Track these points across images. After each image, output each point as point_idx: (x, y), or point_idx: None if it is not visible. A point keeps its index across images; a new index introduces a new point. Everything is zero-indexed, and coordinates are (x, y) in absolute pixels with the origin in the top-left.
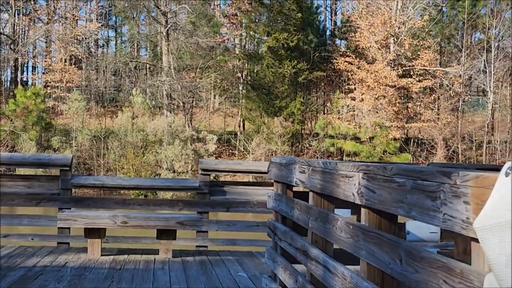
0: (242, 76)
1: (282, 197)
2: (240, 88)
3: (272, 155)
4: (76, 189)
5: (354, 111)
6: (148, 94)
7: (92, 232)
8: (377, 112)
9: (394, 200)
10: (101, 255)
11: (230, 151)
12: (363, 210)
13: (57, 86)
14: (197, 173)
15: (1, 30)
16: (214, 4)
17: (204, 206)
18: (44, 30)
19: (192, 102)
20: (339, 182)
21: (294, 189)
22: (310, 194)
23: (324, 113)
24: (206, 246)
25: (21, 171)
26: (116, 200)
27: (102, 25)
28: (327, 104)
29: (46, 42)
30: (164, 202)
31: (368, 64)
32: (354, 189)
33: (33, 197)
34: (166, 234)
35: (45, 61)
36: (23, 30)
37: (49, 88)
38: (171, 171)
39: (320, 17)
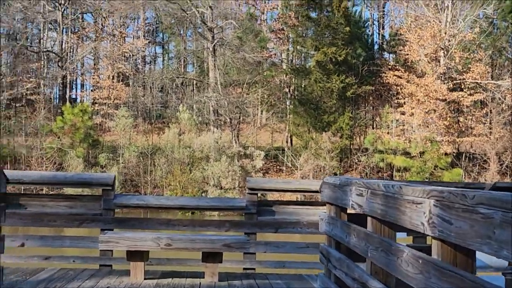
0: (289, 91)
1: (336, 221)
2: (288, 103)
3: (320, 171)
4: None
5: (403, 125)
6: (195, 110)
7: (135, 255)
8: (427, 127)
9: (478, 234)
10: (144, 278)
11: (278, 167)
12: (435, 242)
13: (105, 103)
14: (244, 189)
15: (50, 48)
16: (260, 19)
17: (251, 226)
18: (91, 48)
19: (239, 117)
20: (405, 209)
21: (349, 210)
22: (369, 219)
23: (373, 128)
24: (254, 269)
25: (68, 190)
26: (160, 220)
27: (149, 42)
28: (376, 119)
29: (94, 59)
30: (210, 223)
31: (417, 77)
32: (423, 217)
33: (76, 218)
34: (212, 256)
35: (93, 78)
36: (71, 47)
37: (96, 105)
38: (218, 187)
39: (368, 30)
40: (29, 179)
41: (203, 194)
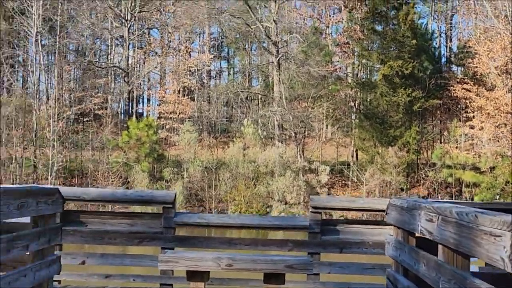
0: (354, 105)
1: (403, 246)
2: (353, 117)
3: (386, 186)
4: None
5: (473, 139)
6: (259, 125)
7: (195, 275)
8: (498, 141)
9: None
10: None
11: (343, 182)
12: None
13: (170, 117)
14: (309, 204)
15: (117, 63)
16: (325, 33)
17: (315, 246)
18: (157, 63)
19: (304, 132)
20: (481, 240)
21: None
22: (440, 247)
23: (440, 142)
24: None
25: (136, 208)
26: (221, 239)
27: (214, 57)
28: (444, 133)
29: (160, 74)
30: (272, 242)
31: (487, 91)
32: (503, 252)
33: (136, 236)
34: (274, 278)
35: (159, 92)
36: (138, 63)
37: (162, 119)
38: (282, 202)
39: (435, 43)
40: (89, 196)
41: (267, 209)
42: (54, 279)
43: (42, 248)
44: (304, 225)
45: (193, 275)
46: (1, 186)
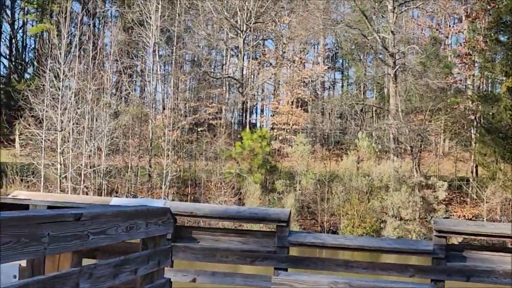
0: (475, 118)
1: None
2: (473, 131)
3: (509, 204)
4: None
5: None
6: (374, 138)
7: None
8: None
9: None
10: None
11: (461, 198)
12: None
13: (283, 129)
14: (425, 221)
15: (232, 73)
16: (444, 44)
17: (439, 273)
18: (272, 74)
19: (420, 146)
20: None
21: None
22: None
23: None
24: None
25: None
26: (337, 261)
27: (328, 68)
28: None
29: (273, 85)
30: (391, 267)
31: None
32: None
33: (248, 254)
34: None
35: (273, 103)
36: (252, 73)
37: (275, 130)
38: (397, 218)
39: None
40: (201, 212)
41: (381, 225)
42: None
43: (151, 271)
44: (427, 249)
45: None
46: (113, 202)
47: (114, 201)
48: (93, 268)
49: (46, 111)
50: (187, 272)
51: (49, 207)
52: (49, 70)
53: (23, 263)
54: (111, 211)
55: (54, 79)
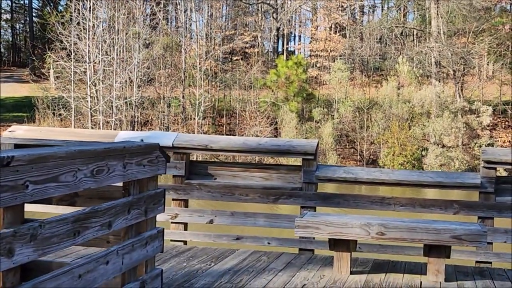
0: None
1: None
2: None
3: None
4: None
5: None
6: (415, 62)
7: (339, 244)
8: None
9: None
10: (351, 272)
11: (506, 123)
12: None
13: (321, 55)
14: (469, 148)
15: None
16: None
17: (488, 210)
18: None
19: (463, 69)
20: None
21: None
22: None
23: None
24: (490, 263)
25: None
26: (372, 198)
27: None
28: None
29: (310, 11)
30: (433, 203)
31: None
32: None
33: (271, 192)
34: (436, 250)
35: (309, 30)
36: None
37: (312, 57)
38: (439, 145)
39: None
40: (217, 145)
41: (422, 153)
42: (178, 239)
43: (136, 222)
44: (474, 183)
45: (336, 244)
46: (118, 138)
47: (120, 135)
48: (38, 227)
49: (75, 43)
50: (203, 213)
51: (16, 146)
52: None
53: None
54: (65, 151)
55: (82, 9)
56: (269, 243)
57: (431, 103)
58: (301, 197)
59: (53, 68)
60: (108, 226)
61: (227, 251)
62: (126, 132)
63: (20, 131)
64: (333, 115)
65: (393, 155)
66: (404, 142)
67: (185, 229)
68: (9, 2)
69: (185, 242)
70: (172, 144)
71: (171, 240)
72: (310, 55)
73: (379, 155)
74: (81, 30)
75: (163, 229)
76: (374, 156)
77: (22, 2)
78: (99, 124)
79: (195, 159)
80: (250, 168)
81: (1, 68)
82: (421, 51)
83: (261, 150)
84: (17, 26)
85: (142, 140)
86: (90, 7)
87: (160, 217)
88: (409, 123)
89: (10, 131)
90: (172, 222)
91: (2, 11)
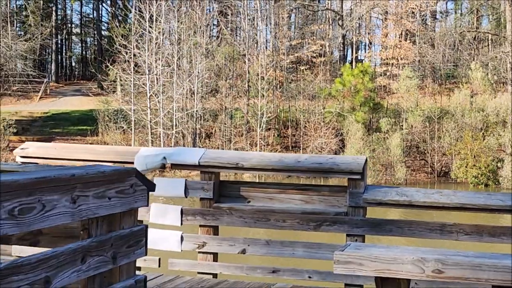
0: None
1: None
2: None
3: None
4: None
5: None
6: (489, 68)
7: (388, 284)
8: None
9: None
10: None
11: None
12: None
13: (390, 63)
14: None
15: (329, 6)
16: None
17: None
18: (373, 4)
19: None
20: None
21: None
22: None
23: None
24: None
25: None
26: (431, 225)
27: None
28: None
29: (379, 18)
30: (506, 231)
31: None
32: None
33: (311, 218)
34: None
35: (378, 37)
36: (354, 5)
37: (381, 65)
38: None
39: None
40: (248, 163)
41: (497, 164)
42: (206, 271)
43: (97, 273)
44: None
45: (384, 283)
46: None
47: (141, 152)
48: None
49: (135, 55)
50: (234, 241)
51: None
52: (137, 10)
53: None
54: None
55: (143, 20)
56: (310, 277)
57: (507, 111)
58: (347, 223)
59: (120, 81)
60: (44, 284)
61: (262, 285)
62: (148, 149)
63: (32, 148)
64: (402, 125)
65: (466, 167)
66: (478, 153)
67: (214, 260)
68: (79, 16)
69: (214, 275)
70: (199, 162)
71: (198, 273)
72: (380, 64)
73: (451, 167)
74: (143, 42)
75: (145, 277)
76: (446, 168)
77: (91, 16)
78: (159, 136)
79: (226, 179)
80: (287, 189)
81: (71, 82)
82: (496, 57)
83: (299, 169)
84: (88, 40)
85: (164, 158)
86: (150, 18)
87: (186, 246)
88: (483, 133)
89: (21, 148)
90: (199, 252)
91: (73, 25)
